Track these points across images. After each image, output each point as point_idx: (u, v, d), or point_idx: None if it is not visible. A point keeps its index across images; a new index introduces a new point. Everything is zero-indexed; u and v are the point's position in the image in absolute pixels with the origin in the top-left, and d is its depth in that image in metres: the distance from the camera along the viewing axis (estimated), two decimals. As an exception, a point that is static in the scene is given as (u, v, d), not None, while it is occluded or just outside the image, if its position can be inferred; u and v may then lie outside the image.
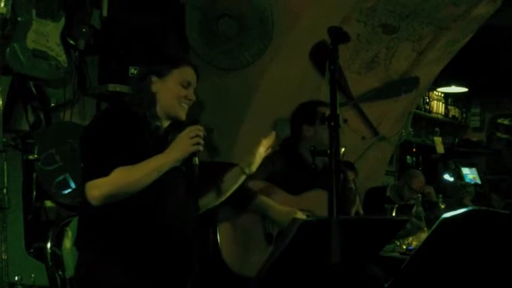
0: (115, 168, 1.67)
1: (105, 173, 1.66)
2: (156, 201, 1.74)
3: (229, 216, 2.18)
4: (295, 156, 2.42)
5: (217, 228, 2.15)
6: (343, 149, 2.66)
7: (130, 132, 1.75)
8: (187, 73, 1.87)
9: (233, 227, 2.18)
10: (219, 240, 2.14)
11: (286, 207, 2.18)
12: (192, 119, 1.84)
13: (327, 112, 1.33)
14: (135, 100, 1.83)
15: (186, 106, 1.86)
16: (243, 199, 2.15)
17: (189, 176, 1.73)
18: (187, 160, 1.72)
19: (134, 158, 1.70)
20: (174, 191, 1.80)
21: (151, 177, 1.70)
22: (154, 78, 1.84)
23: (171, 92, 1.84)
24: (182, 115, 1.86)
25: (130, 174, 1.68)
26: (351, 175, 3.49)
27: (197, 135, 1.72)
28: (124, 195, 1.68)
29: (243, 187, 2.04)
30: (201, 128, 1.75)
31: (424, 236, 2.52)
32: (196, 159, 1.71)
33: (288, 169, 2.36)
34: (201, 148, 1.72)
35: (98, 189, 1.67)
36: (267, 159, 2.29)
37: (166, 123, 1.89)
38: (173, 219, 1.77)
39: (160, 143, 1.81)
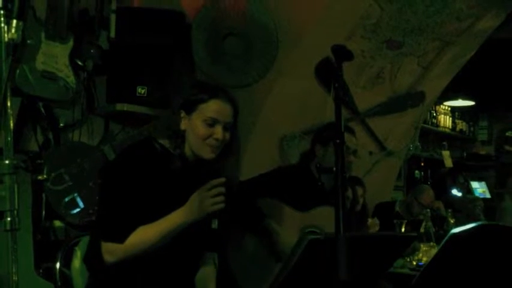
0: (131, 232, 1.58)
1: (121, 240, 1.58)
2: None
3: (239, 233, 2.19)
4: (306, 173, 2.41)
5: (227, 245, 2.15)
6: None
7: (149, 179, 1.62)
8: (211, 108, 1.65)
9: (243, 244, 2.19)
10: (228, 257, 2.14)
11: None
12: (217, 168, 1.64)
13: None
14: (164, 138, 1.69)
15: (214, 144, 1.66)
16: (253, 219, 2.14)
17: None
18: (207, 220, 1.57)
19: (152, 209, 1.60)
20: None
21: (167, 237, 1.60)
22: (183, 114, 1.68)
23: (195, 132, 1.66)
24: (207, 156, 1.67)
25: (146, 239, 1.59)
26: (359, 190, 3.48)
27: (219, 193, 1.54)
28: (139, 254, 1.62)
29: (253, 207, 2.01)
30: (223, 181, 1.56)
31: (433, 251, 2.50)
32: (216, 222, 1.58)
33: (297, 185, 2.36)
34: (222, 206, 1.55)
35: (112, 255, 1.61)
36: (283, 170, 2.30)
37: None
38: (188, 244, 1.72)
39: (186, 182, 1.65)
